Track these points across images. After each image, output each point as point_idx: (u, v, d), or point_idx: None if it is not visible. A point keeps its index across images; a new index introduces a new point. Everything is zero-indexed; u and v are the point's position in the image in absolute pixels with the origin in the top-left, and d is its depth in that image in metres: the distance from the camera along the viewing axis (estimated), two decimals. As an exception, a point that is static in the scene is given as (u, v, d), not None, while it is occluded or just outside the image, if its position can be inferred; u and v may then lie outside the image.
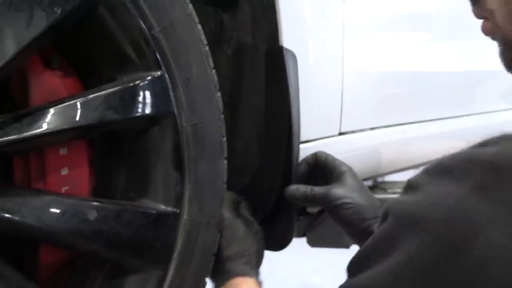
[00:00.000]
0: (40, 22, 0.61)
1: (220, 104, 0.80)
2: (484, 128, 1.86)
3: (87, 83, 0.75)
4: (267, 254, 1.06)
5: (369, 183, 1.73)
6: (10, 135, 0.62)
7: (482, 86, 1.78)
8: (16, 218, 0.63)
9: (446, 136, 1.63)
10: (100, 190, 0.77)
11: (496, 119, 1.85)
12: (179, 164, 0.76)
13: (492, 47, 1.68)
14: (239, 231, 0.86)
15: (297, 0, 0.99)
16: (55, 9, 0.62)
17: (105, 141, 0.78)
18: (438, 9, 1.51)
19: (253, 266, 0.86)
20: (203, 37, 0.77)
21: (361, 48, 1.21)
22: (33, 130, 0.64)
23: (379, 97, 1.30)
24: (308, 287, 2.72)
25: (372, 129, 1.27)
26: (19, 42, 0.61)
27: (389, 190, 1.66)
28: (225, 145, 0.81)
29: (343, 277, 0.70)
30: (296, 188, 0.95)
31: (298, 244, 1.34)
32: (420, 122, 1.45)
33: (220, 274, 0.83)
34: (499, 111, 1.87)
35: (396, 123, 1.36)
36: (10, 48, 0.60)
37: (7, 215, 0.63)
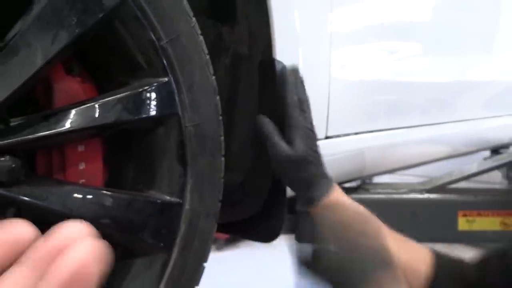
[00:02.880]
0: (66, 36, 0.67)
1: (219, 106, 0.84)
2: (466, 135, 1.93)
3: (102, 87, 0.80)
4: (265, 258, 1.11)
5: (355, 183, 1.79)
6: (38, 132, 0.67)
7: (465, 95, 1.82)
8: (45, 204, 0.69)
9: (428, 142, 1.68)
10: (112, 182, 0.82)
11: (477, 126, 1.92)
12: (182, 160, 0.80)
13: (475, 59, 1.74)
14: None
15: (289, 17, 1.04)
16: (79, 27, 0.68)
17: (116, 139, 0.82)
18: (424, 21, 1.55)
19: None
20: (204, 47, 0.81)
21: (347, 57, 1.25)
22: (57, 128, 0.69)
23: (364, 104, 1.35)
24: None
25: (356, 133, 1.32)
26: (46, 55, 0.66)
27: (372, 191, 1.72)
28: (223, 143, 0.85)
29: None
30: None
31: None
32: (403, 128, 1.49)
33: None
34: (480, 118, 1.92)
35: (379, 128, 1.41)
36: (39, 60, 0.66)
37: (37, 201, 0.68)
